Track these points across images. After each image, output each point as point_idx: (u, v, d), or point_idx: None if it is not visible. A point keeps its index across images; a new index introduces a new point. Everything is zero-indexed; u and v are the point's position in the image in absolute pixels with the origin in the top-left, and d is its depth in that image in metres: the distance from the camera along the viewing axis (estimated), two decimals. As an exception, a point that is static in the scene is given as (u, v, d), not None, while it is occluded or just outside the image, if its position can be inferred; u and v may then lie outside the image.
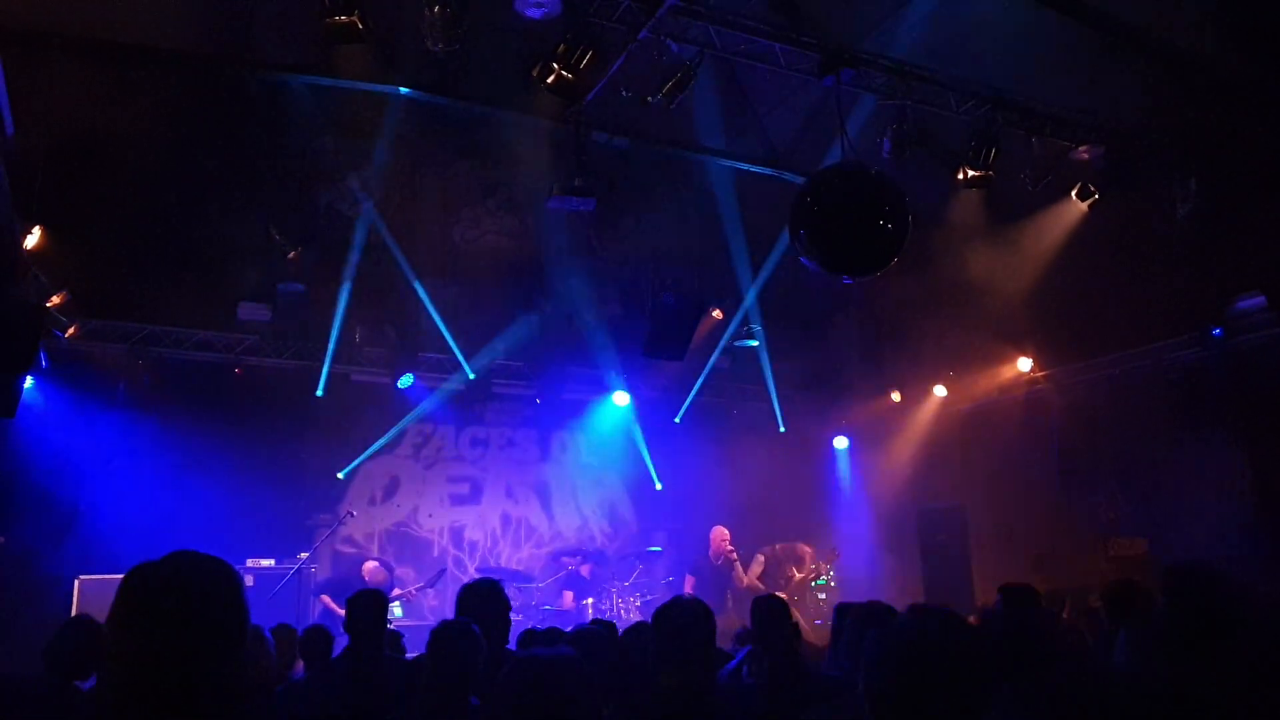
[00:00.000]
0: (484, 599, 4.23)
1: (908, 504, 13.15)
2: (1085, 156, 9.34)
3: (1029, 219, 10.48)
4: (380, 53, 8.42)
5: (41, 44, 8.61)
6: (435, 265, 11.74)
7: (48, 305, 8.69)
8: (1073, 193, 9.71)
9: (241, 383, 10.78)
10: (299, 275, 10.48)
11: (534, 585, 10.92)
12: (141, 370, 10.16)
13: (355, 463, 11.34)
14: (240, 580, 1.86)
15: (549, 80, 7.58)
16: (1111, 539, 10.52)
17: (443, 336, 11.47)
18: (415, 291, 11.26)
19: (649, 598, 10.82)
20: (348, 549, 11.03)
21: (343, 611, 4.66)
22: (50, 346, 8.85)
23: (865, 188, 6.38)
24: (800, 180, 7.62)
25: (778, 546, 11.33)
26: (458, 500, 12.19)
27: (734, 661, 4.26)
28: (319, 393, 10.92)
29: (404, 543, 11.60)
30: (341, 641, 4.68)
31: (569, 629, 5.14)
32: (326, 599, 9.56)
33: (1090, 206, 9.71)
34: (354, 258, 10.83)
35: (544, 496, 12.71)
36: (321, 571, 10.31)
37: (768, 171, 11.90)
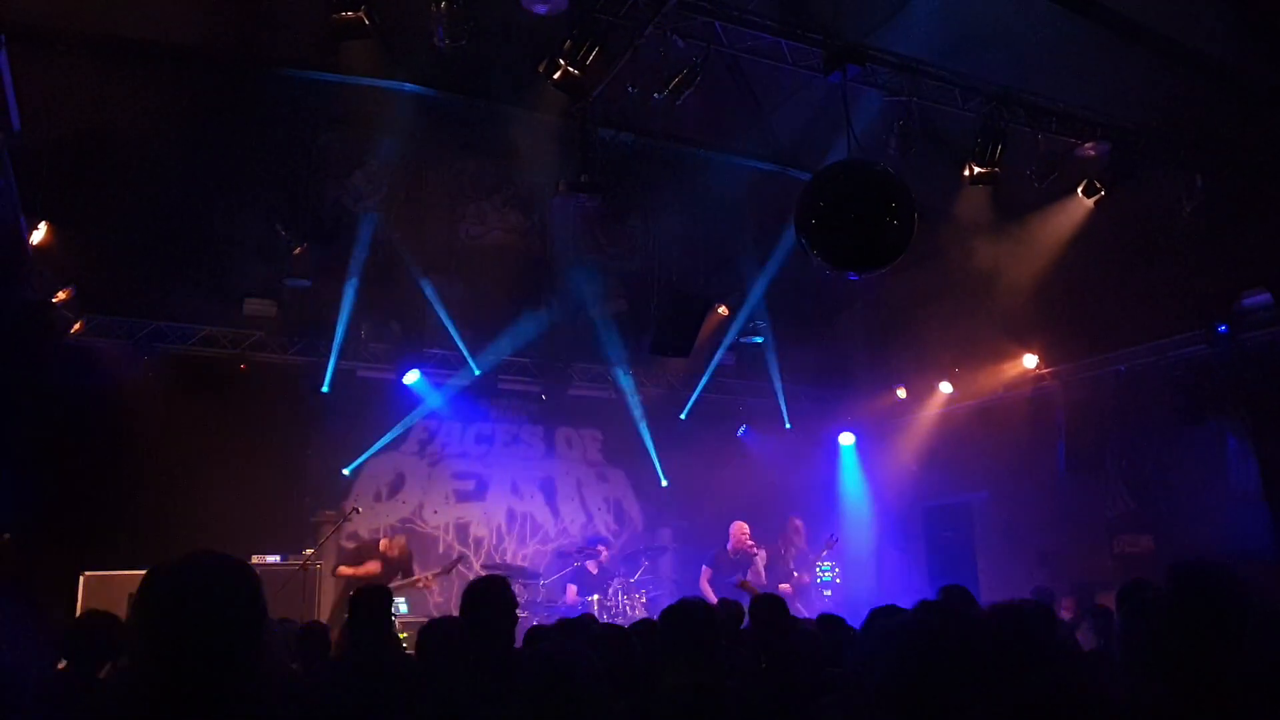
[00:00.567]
0: (490, 595, 4.24)
1: (913, 501, 13.15)
2: (1091, 153, 9.29)
3: (1035, 215, 10.45)
4: (387, 49, 8.43)
5: (48, 40, 8.65)
6: (441, 261, 11.74)
7: (54, 301, 8.71)
8: (1079, 189, 9.69)
9: (247, 378, 10.77)
10: (305, 271, 10.47)
11: (540, 581, 10.92)
12: (147, 366, 10.17)
13: (361, 459, 11.34)
14: (258, 580, 1.88)
15: (555, 76, 7.56)
16: (1118, 536, 10.52)
17: (449, 333, 11.44)
18: (421, 288, 11.25)
19: (654, 594, 10.84)
20: (352, 545, 11.03)
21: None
22: (56, 342, 8.87)
23: (871, 184, 6.36)
24: (806, 176, 7.61)
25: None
26: (463, 496, 12.18)
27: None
28: (325, 389, 10.89)
29: (409, 539, 11.59)
30: None
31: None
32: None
33: (1096, 203, 9.70)
34: (360, 254, 10.82)
35: (549, 493, 12.71)
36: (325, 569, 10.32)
37: (773, 168, 11.90)
